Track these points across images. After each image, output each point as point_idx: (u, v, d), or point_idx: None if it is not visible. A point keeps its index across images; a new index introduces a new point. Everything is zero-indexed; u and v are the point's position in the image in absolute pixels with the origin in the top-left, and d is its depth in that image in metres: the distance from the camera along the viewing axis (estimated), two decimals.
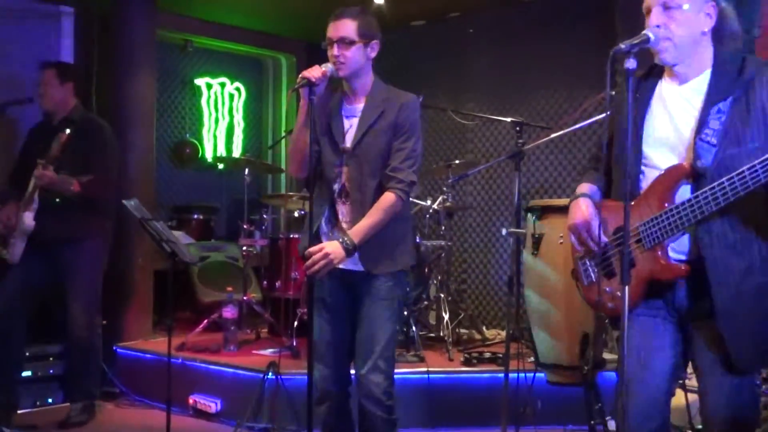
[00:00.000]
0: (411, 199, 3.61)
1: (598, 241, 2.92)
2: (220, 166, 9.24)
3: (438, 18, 8.13)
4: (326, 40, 3.58)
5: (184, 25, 8.41)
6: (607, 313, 2.97)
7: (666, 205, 2.76)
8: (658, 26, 2.76)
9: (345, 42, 3.53)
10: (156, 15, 6.99)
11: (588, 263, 3.00)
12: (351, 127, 3.62)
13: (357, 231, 3.50)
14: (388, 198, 3.50)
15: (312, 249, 3.47)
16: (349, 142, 3.61)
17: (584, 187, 3.08)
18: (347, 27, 3.55)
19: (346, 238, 3.48)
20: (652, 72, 2.96)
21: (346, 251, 3.47)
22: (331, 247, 3.46)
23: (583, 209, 2.98)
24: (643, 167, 2.85)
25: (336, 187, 3.62)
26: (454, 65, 8.12)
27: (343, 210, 3.63)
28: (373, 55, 3.61)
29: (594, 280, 2.97)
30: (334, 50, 3.54)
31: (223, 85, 9.34)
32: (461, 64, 8.05)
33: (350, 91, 3.67)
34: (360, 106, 3.63)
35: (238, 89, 9.47)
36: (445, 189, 6.54)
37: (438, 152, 8.22)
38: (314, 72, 3.46)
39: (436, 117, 8.21)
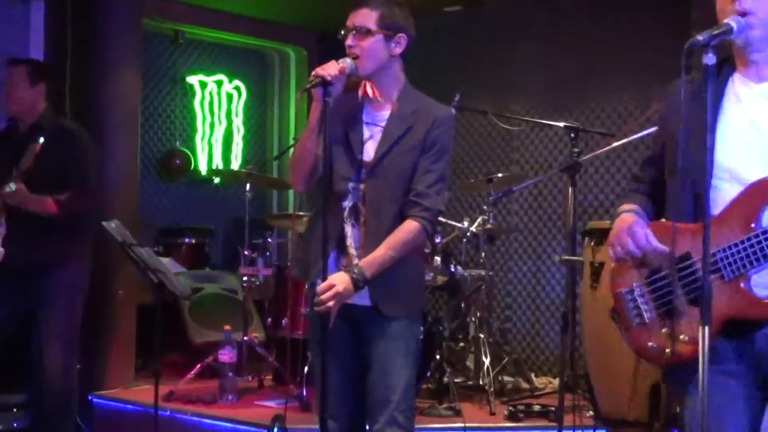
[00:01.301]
0: (445, 220, 3.62)
1: (653, 246, 2.83)
2: (216, 180, 9.29)
3: (476, 2, 8.17)
4: (343, 30, 3.62)
5: (175, 13, 8.50)
6: (660, 364, 2.88)
7: (753, 226, 2.74)
8: (743, 14, 2.75)
9: (361, 31, 3.57)
10: (141, 0, 7.08)
11: (637, 296, 2.92)
12: (372, 137, 3.64)
13: (370, 263, 3.51)
14: (411, 227, 3.52)
15: (322, 286, 3.48)
16: (368, 154, 3.63)
17: (628, 206, 3.01)
18: (366, 15, 3.58)
19: (356, 270, 3.49)
20: (721, 69, 2.91)
21: (356, 285, 3.48)
22: (340, 281, 3.47)
23: (627, 219, 2.94)
24: (717, 181, 2.80)
25: (346, 204, 3.63)
26: (496, 59, 8.14)
27: (353, 234, 3.63)
28: (399, 51, 3.61)
29: (646, 319, 2.88)
30: (348, 39, 3.59)
31: (219, 83, 9.42)
32: (505, 57, 8.07)
33: (373, 94, 3.69)
34: (384, 113, 3.65)
35: (237, 89, 9.54)
36: (485, 208, 6.54)
37: (477, 164, 8.23)
38: (330, 69, 3.48)
39: (475, 121, 8.23)
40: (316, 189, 3.70)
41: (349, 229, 3.63)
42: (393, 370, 3.57)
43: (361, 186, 3.61)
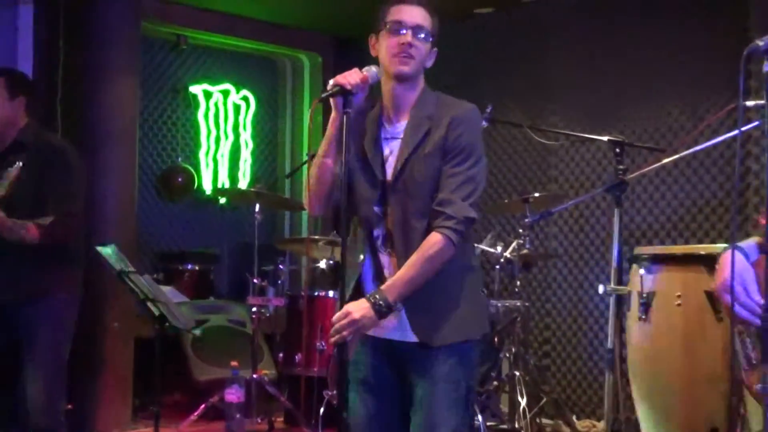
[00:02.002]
0: (476, 245, 3.60)
1: (751, 306, 2.88)
2: (222, 200, 9.32)
3: (510, 3, 8.18)
4: (392, 23, 3.60)
5: (176, 16, 8.55)
6: None
7: None
8: None
9: (424, 32, 3.60)
10: (140, 2, 7.11)
11: (746, 336, 2.96)
12: (392, 153, 3.63)
13: (392, 285, 3.48)
14: (433, 241, 3.47)
15: (338, 315, 3.47)
16: (390, 173, 3.62)
17: (747, 242, 3.07)
18: (425, 18, 3.63)
19: (377, 295, 3.46)
20: None
21: (379, 312, 3.44)
22: (357, 308, 3.45)
23: (725, 266, 2.94)
24: None
25: (378, 233, 3.63)
26: (532, 66, 8.13)
27: (386, 262, 3.63)
28: (430, 64, 3.67)
29: (753, 360, 2.94)
30: (408, 36, 3.57)
31: (226, 93, 9.46)
32: (542, 64, 8.07)
33: (392, 105, 3.68)
34: (403, 124, 3.64)
35: (245, 99, 9.58)
36: (521, 231, 6.52)
37: (511, 182, 8.22)
38: (351, 77, 3.47)
39: (509, 135, 8.22)
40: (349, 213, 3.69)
41: (385, 259, 3.63)
42: (439, 413, 3.52)
43: (388, 209, 3.60)
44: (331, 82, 3.49)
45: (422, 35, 3.57)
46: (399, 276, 3.48)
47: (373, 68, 3.55)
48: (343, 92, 3.46)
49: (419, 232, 3.52)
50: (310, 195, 3.67)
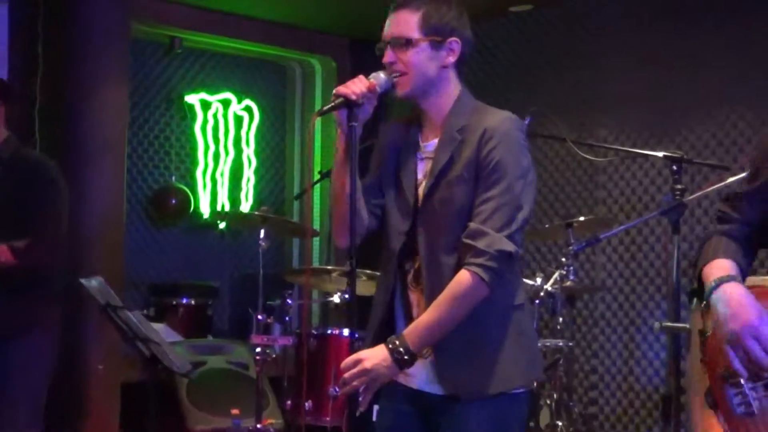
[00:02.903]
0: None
1: None
2: (222, 225, 9.32)
3: (552, 0, 8.21)
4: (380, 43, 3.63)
5: (170, 16, 8.59)
6: None
7: None
8: None
9: (400, 43, 3.55)
10: (130, 0, 7.14)
11: (746, 387, 2.92)
12: (425, 175, 3.61)
13: (413, 330, 3.45)
14: (460, 280, 3.42)
15: (347, 361, 3.45)
16: (420, 199, 3.59)
17: (725, 266, 3.00)
18: (406, 21, 3.57)
19: (397, 341, 3.44)
20: None
21: (398, 361, 3.42)
22: (372, 356, 3.43)
23: (746, 306, 2.91)
24: None
25: (409, 267, 3.61)
26: (576, 72, 8.14)
27: (414, 301, 3.61)
28: (452, 60, 3.58)
29: (755, 409, 2.90)
30: (387, 54, 3.57)
31: (226, 103, 9.48)
32: (588, 69, 8.07)
33: (425, 119, 3.67)
34: (436, 141, 3.62)
35: (248, 110, 9.60)
36: (564, 261, 6.50)
37: (553, 205, 8.22)
38: (355, 86, 3.47)
39: (550, 151, 8.22)
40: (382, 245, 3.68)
41: (414, 298, 3.61)
42: None
43: (418, 239, 3.57)
44: (333, 93, 3.50)
45: (402, 43, 3.54)
46: (422, 320, 3.45)
47: (382, 74, 3.54)
48: (347, 104, 3.46)
49: (449, 269, 3.49)
50: (335, 224, 3.68)
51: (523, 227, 3.49)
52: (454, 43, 3.58)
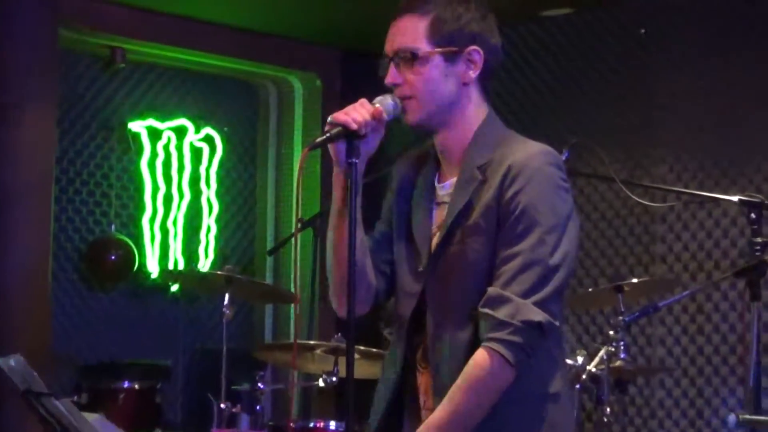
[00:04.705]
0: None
1: None
2: (175, 287, 9.31)
3: (595, 2, 8.25)
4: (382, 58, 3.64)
5: (112, 20, 8.60)
6: None
7: None
8: None
9: (405, 57, 3.56)
10: (59, 2, 7.16)
11: None
12: (440, 225, 3.61)
13: (426, 430, 3.46)
14: (478, 362, 3.41)
15: None
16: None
17: None
18: (412, 29, 3.57)
19: None
20: None
21: None
22: None
23: None
24: None
25: (418, 340, 3.61)
26: (626, 92, 8.17)
27: (422, 383, 3.63)
28: (474, 74, 3.58)
29: None
30: (390, 74, 3.57)
31: (181, 133, 9.49)
32: (641, 90, 8.10)
33: (442, 155, 3.67)
34: (454, 180, 3.61)
35: (209, 141, 9.61)
36: (611, 334, 6.48)
37: (598, 263, 8.24)
38: (357, 112, 3.46)
39: (594, 194, 8.24)
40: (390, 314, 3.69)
41: (421, 379, 3.62)
42: None
43: (426, 307, 3.57)
44: (329, 120, 3.46)
45: (407, 58, 3.54)
46: (432, 419, 3.45)
47: (389, 98, 3.53)
48: (346, 135, 3.44)
49: (463, 344, 3.50)
50: (334, 288, 3.68)
51: (560, 292, 3.46)
52: (475, 52, 3.56)
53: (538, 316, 3.36)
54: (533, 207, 3.42)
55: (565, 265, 3.44)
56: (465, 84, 3.58)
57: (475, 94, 3.61)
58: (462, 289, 3.51)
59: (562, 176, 3.52)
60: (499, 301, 3.39)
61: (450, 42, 3.54)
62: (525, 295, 3.38)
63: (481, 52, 3.57)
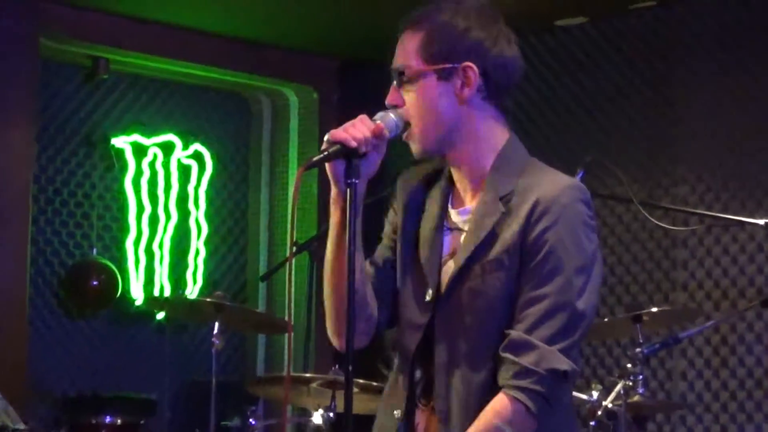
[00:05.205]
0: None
1: None
2: (161, 315, 9.29)
3: (613, 9, 8.25)
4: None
5: (95, 28, 8.60)
6: None
7: None
8: None
9: (399, 77, 3.57)
10: (38, 8, 7.15)
11: None
12: (453, 253, 3.59)
13: None
14: (497, 409, 3.41)
15: None
16: (443, 287, 3.57)
17: None
18: (406, 46, 3.58)
19: None
20: None
21: None
22: None
23: None
24: None
25: (420, 375, 3.61)
26: (645, 107, 8.18)
27: (421, 423, 3.61)
28: (468, 92, 3.53)
29: None
30: (388, 95, 3.58)
31: (168, 149, 9.48)
32: (662, 104, 8.11)
33: (454, 174, 3.66)
34: (472, 206, 3.60)
35: (198, 158, 9.60)
36: (629, 367, 6.47)
37: (614, 290, 8.23)
38: (357, 129, 3.43)
39: (611, 216, 8.25)
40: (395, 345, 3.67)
41: (421, 419, 3.61)
42: None
43: (435, 341, 3.56)
44: (326, 137, 3.43)
45: (405, 78, 3.54)
46: None
47: (392, 114, 3.52)
48: (345, 153, 3.41)
49: (476, 387, 3.49)
50: (333, 319, 3.66)
51: (583, 337, 3.47)
52: (468, 68, 3.53)
53: (565, 365, 3.37)
54: (562, 247, 3.43)
55: (590, 310, 3.44)
56: (463, 103, 3.55)
57: (482, 113, 3.58)
58: (479, 328, 3.50)
59: (590, 214, 3.51)
60: (524, 347, 3.39)
61: (443, 58, 3.53)
62: (550, 341, 3.38)
63: (475, 67, 3.53)
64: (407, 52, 3.54)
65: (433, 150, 3.57)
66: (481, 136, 3.58)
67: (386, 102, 3.56)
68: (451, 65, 3.52)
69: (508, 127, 3.61)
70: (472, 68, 3.51)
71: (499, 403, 3.39)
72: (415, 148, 3.56)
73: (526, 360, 3.37)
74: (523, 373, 3.37)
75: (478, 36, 3.54)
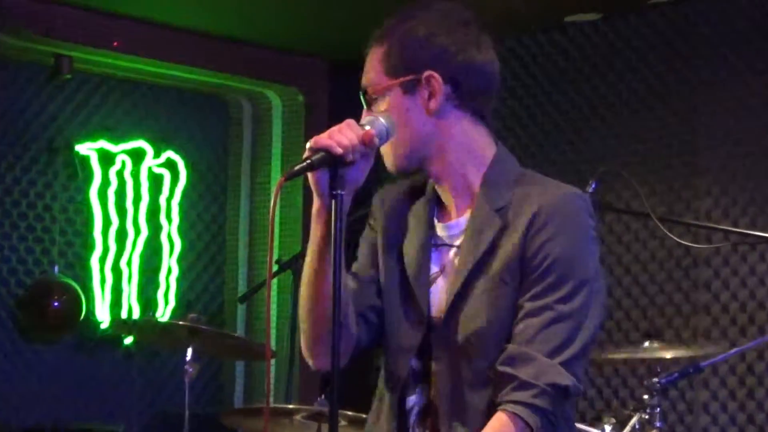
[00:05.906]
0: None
1: None
2: (129, 340, 9.28)
3: (634, 4, 8.26)
4: None
5: (56, 23, 8.58)
6: None
7: None
8: None
9: (366, 97, 3.65)
10: None
11: None
12: (443, 272, 3.64)
13: None
14: (496, 427, 3.45)
15: None
16: (438, 305, 3.62)
17: None
18: (371, 63, 3.67)
19: None
20: None
21: None
22: None
23: None
24: None
25: (413, 402, 3.62)
26: (665, 113, 8.18)
27: None
28: (435, 104, 3.60)
29: None
30: (363, 114, 3.64)
31: (138, 156, 9.47)
32: (682, 110, 8.11)
33: (438, 188, 3.70)
34: (461, 222, 3.65)
35: (171, 166, 9.60)
36: (645, 399, 6.46)
37: (630, 313, 8.21)
38: (343, 135, 3.45)
39: (626, 233, 8.24)
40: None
41: None
42: None
43: (432, 366, 3.59)
44: (309, 144, 3.46)
45: (370, 97, 3.62)
46: None
47: (381, 119, 3.54)
48: (330, 161, 3.43)
49: (477, 411, 3.52)
50: (308, 337, 3.70)
51: (586, 353, 3.50)
52: (430, 77, 3.58)
53: (566, 379, 3.41)
54: (564, 259, 3.49)
55: (592, 323, 3.50)
56: (431, 115, 3.62)
57: (456, 123, 3.65)
58: (481, 347, 3.54)
59: (592, 225, 3.59)
60: (522, 360, 3.44)
61: (405, 69, 3.61)
62: (550, 354, 3.44)
63: (438, 76, 3.59)
64: (371, 69, 3.64)
65: (405, 166, 3.65)
66: (459, 147, 3.65)
67: (362, 120, 3.60)
68: (413, 76, 3.60)
69: (493, 135, 3.68)
70: (435, 77, 3.59)
71: (498, 422, 3.44)
72: (388, 164, 3.63)
73: (525, 373, 3.43)
74: (523, 386, 3.43)
75: (442, 42, 3.61)
